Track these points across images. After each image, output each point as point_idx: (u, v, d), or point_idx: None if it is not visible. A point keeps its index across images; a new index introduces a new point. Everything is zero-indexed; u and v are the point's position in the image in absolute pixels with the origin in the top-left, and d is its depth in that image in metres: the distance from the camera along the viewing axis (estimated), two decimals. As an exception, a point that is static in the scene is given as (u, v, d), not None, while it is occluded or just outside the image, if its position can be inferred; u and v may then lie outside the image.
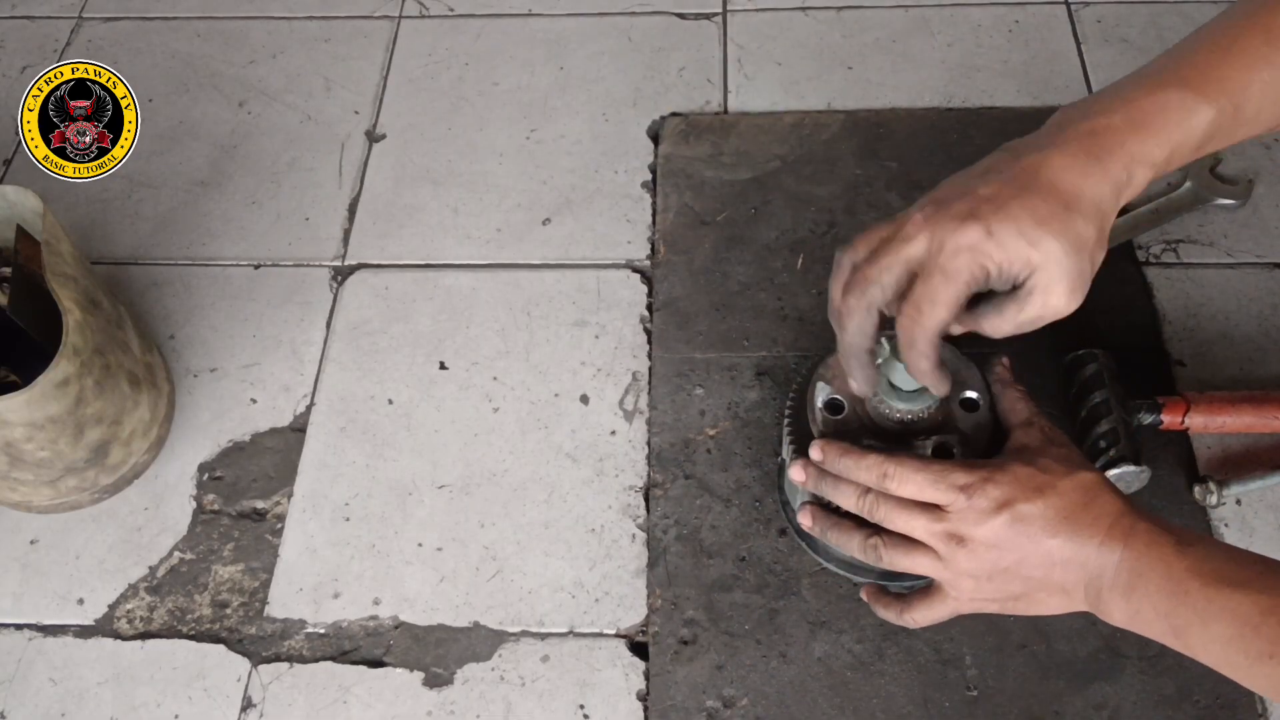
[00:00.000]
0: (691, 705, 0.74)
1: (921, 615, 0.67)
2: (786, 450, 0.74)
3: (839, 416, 0.70)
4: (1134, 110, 0.57)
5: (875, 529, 0.66)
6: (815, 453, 0.67)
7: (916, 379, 0.64)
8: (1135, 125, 0.57)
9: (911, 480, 0.63)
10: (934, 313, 0.58)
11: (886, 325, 0.63)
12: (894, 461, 0.63)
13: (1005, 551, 0.61)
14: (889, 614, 0.69)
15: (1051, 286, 0.57)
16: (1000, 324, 0.59)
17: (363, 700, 0.76)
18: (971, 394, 0.70)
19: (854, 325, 0.62)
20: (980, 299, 0.61)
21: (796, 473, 0.69)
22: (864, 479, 0.64)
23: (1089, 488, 0.61)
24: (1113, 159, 0.57)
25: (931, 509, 0.62)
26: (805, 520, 0.70)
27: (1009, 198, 0.56)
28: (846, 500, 0.66)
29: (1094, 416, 0.79)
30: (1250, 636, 0.53)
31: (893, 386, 0.68)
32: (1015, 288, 0.58)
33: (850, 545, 0.67)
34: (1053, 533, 0.60)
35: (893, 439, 0.68)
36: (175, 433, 0.89)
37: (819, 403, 0.71)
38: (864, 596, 0.72)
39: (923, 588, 0.67)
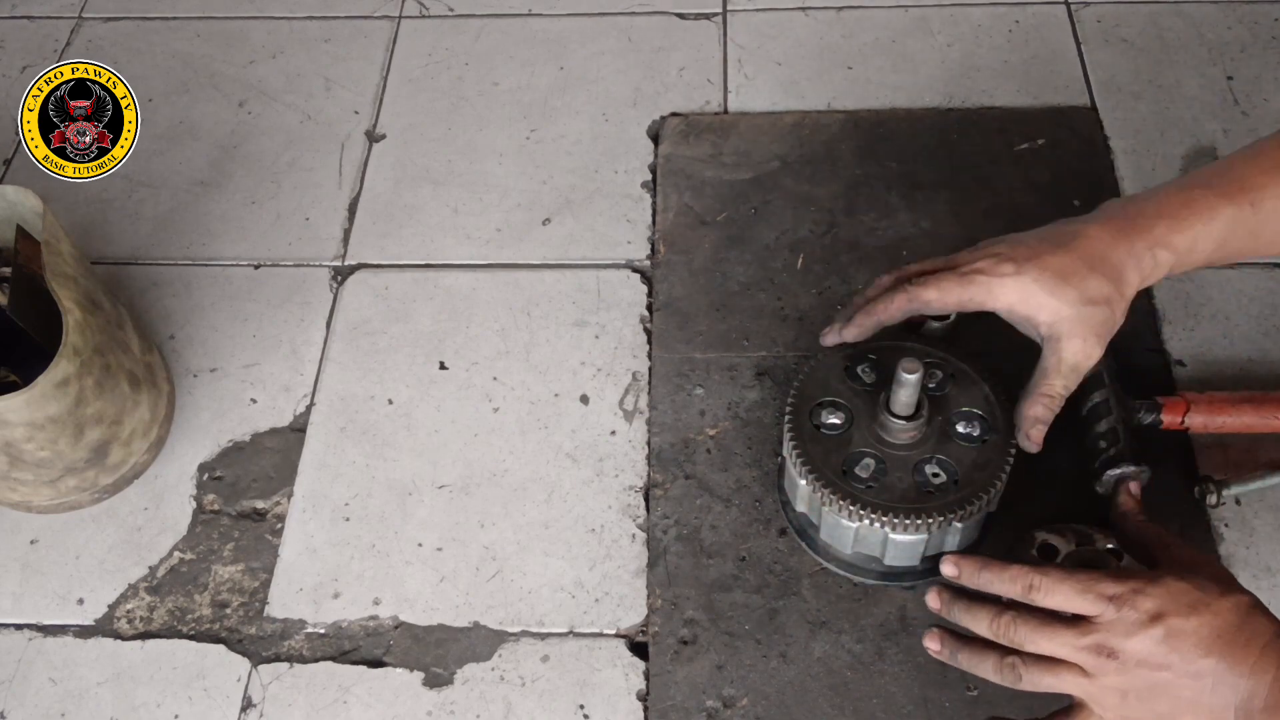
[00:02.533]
0: (691, 705, 0.74)
1: None
2: (787, 448, 0.74)
3: None
4: (1163, 204, 0.69)
5: (1011, 649, 0.64)
6: (949, 568, 0.67)
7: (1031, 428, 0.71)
8: (1162, 215, 0.68)
9: (1058, 590, 0.62)
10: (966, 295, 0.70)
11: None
12: (1039, 572, 0.62)
13: (1155, 668, 0.59)
14: None
15: (1073, 333, 0.67)
16: (1044, 382, 0.70)
17: (363, 700, 0.76)
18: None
19: (895, 309, 0.72)
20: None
21: (933, 600, 0.68)
22: (1007, 591, 0.64)
23: (1244, 609, 0.60)
24: (1139, 238, 0.68)
25: (1076, 622, 0.61)
26: (933, 644, 0.68)
27: (1045, 252, 0.68)
28: (980, 625, 0.64)
29: (1094, 416, 0.79)
30: None
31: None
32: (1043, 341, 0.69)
33: (983, 667, 0.65)
34: (1205, 652, 0.58)
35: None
36: (175, 433, 0.89)
37: None
38: None
39: (1063, 708, 0.64)
